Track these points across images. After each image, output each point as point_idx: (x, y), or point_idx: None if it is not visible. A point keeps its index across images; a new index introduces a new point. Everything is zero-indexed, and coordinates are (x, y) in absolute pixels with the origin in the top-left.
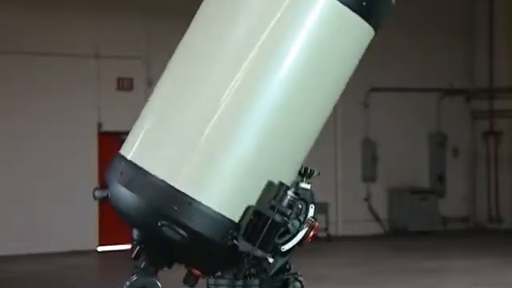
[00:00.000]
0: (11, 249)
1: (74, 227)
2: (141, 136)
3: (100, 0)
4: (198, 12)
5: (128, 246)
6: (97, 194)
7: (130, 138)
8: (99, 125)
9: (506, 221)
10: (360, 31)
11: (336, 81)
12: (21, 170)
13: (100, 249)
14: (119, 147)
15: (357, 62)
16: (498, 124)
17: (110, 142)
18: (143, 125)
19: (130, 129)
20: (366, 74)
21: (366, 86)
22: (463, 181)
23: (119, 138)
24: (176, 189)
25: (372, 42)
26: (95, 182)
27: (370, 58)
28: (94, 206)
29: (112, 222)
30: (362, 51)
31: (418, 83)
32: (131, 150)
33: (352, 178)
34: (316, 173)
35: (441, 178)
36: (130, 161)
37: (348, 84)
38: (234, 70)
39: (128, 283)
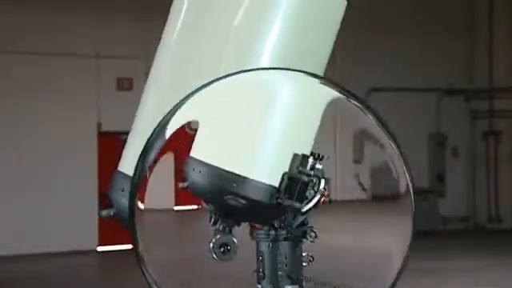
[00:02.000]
0: (11, 249)
1: (74, 227)
2: (137, 149)
3: (100, 0)
4: None
5: (128, 246)
6: (104, 213)
7: (126, 153)
8: (99, 125)
9: (505, 221)
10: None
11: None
12: (21, 169)
13: (100, 249)
14: (120, 147)
15: (335, 32)
16: (498, 124)
17: (110, 141)
18: (138, 136)
19: (130, 129)
20: (365, 74)
21: (365, 85)
22: (463, 181)
23: (119, 137)
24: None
25: (372, 42)
26: (95, 182)
27: (370, 58)
28: (94, 206)
29: (112, 222)
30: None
31: (417, 83)
32: (130, 166)
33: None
34: (326, 157)
35: (440, 178)
36: (129, 176)
37: (348, 84)
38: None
39: (213, 240)
